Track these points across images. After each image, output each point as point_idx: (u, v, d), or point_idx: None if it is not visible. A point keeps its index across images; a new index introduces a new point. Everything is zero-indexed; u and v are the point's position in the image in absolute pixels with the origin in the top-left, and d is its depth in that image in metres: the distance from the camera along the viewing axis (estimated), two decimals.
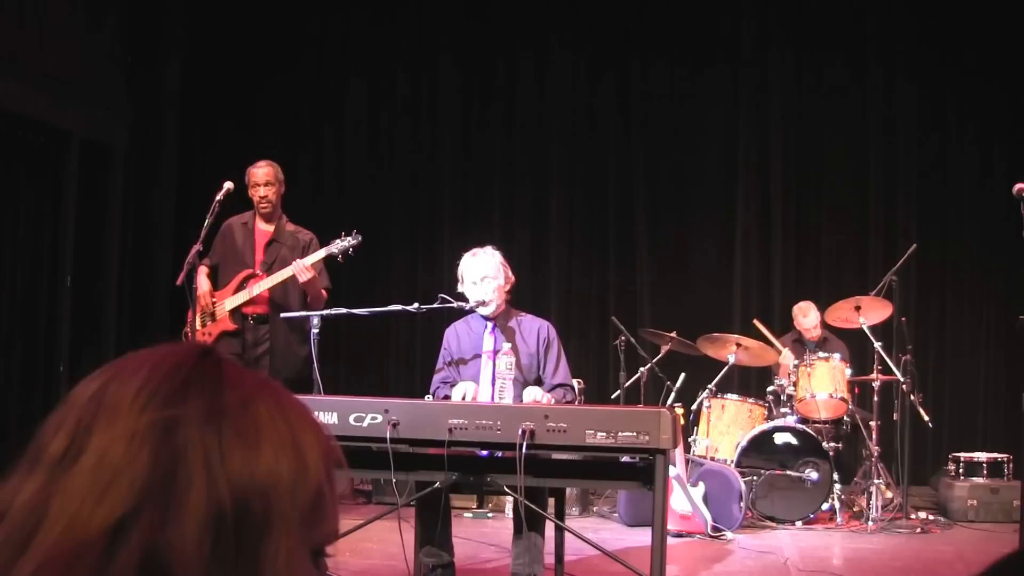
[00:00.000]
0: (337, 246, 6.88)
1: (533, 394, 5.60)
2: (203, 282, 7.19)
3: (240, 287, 7.11)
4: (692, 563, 6.98)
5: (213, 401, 0.95)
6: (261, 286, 7.03)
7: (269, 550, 0.93)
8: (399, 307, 6.30)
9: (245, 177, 7.27)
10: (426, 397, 5.80)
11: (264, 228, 7.27)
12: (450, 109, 11.26)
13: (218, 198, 6.89)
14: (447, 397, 5.76)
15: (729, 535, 7.69)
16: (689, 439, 8.46)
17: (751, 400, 8.73)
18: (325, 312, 6.24)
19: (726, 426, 8.52)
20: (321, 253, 6.94)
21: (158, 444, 0.92)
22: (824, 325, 9.10)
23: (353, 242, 6.86)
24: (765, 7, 10.76)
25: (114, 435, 0.93)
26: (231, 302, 7.09)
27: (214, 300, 7.15)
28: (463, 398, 5.60)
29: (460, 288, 5.94)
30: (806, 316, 9.19)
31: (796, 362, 8.66)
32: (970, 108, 10.32)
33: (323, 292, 7.10)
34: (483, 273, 5.82)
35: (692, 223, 10.87)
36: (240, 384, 0.98)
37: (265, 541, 0.93)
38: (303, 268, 6.84)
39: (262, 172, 7.25)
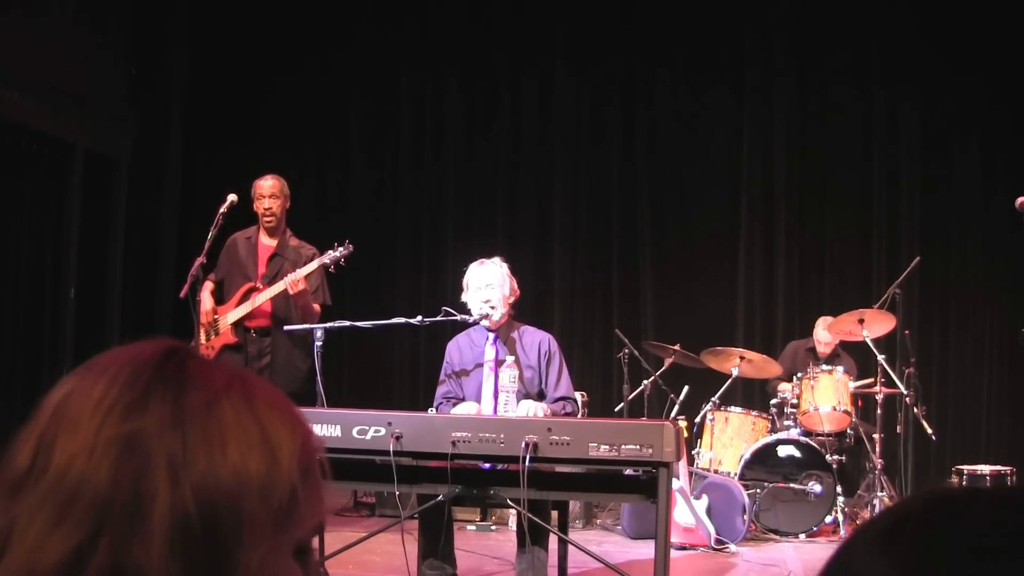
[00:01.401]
0: (329, 256, 6.91)
1: (527, 407, 5.60)
2: (206, 299, 7.20)
3: (242, 300, 7.12)
4: None
5: (175, 406, 0.93)
6: (262, 298, 7.04)
7: (243, 557, 0.90)
8: (402, 320, 6.30)
9: (251, 190, 7.28)
10: (429, 410, 5.81)
11: (267, 242, 7.29)
12: (454, 122, 11.28)
13: (222, 210, 6.91)
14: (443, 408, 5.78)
15: (732, 548, 7.68)
16: (692, 452, 8.44)
17: (754, 413, 8.72)
18: (328, 325, 6.24)
19: (729, 439, 8.51)
20: (313, 265, 6.95)
21: (118, 459, 0.90)
22: (838, 344, 9.10)
23: (345, 252, 6.88)
24: (769, 23, 10.76)
25: (74, 451, 0.91)
26: (233, 315, 7.11)
27: (216, 316, 7.15)
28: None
29: (464, 296, 5.95)
30: (827, 329, 9.14)
31: (800, 374, 8.66)
32: (973, 121, 10.32)
33: (316, 307, 7.10)
34: (488, 280, 5.85)
35: (696, 236, 10.87)
36: (206, 384, 0.95)
37: (237, 548, 0.90)
38: (294, 280, 6.85)
39: (268, 185, 7.27)
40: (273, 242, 7.28)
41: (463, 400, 5.80)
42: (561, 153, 11.09)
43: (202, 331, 7.10)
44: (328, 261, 6.90)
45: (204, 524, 0.89)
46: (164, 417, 0.92)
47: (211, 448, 0.92)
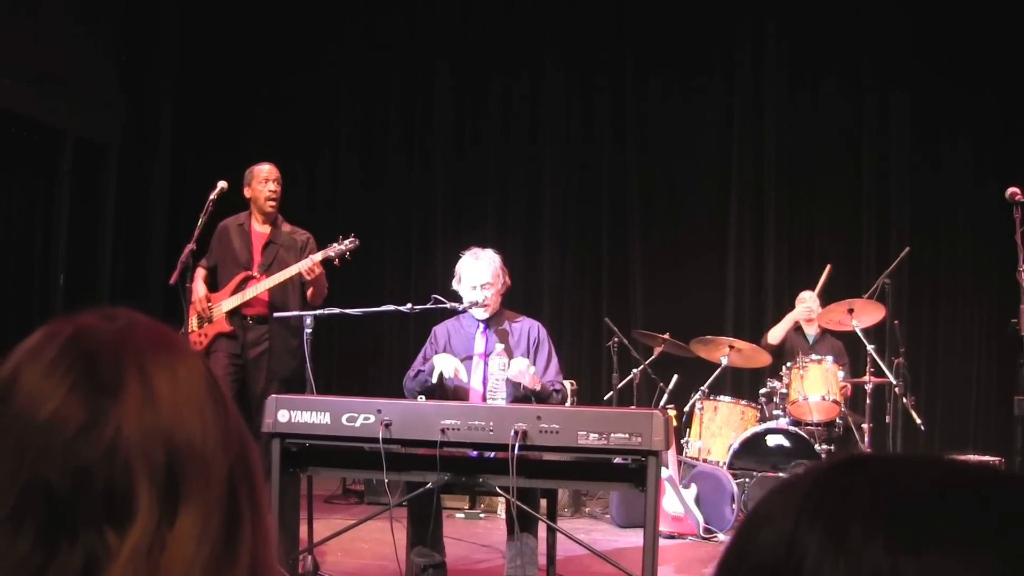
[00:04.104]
0: (334, 250, 6.84)
1: (520, 365, 5.60)
2: (199, 286, 7.10)
3: (238, 289, 7.05)
4: (684, 564, 6.98)
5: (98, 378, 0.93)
6: (260, 287, 6.97)
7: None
8: (392, 307, 6.30)
9: (246, 176, 7.19)
10: (419, 398, 5.80)
11: (260, 229, 7.20)
12: (444, 112, 11.27)
13: (211, 197, 6.85)
14: (421, 375, 5.76)
15: (721, 537, 7.69)
16: (681, 441, 8.46)
17: (743, 402, 8.73)
18: (318, 312, 6.22)
19: (718, 428, 8.52)
20: (319, 256, 6.87)
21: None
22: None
23: (350, 245, 6.82)
24: (760, 14, 10.76)
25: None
26: (228, 304, 7.03)
27: (210, 304, 7.08)
28: (453, 372, 5.60)
29: (455, 285, 5.94)
30: (802, 303, 9.11)
31: (789, 363, 8.66)
32: (962, 111, 10.33)
33: (325, 290, 7.09)
34: (483, 280, 5.83)
35: (685, 225, 10.88)
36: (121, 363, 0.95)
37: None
38: (314, 263, 6.79)
39: (271, 169, 7.20)
40: (266, 229, 7.20)
41: (430, 383, 5.75)
42: (551, 143, 11.08)
43: (193, 318, 7.04)
44: (333, 254, 6.84)
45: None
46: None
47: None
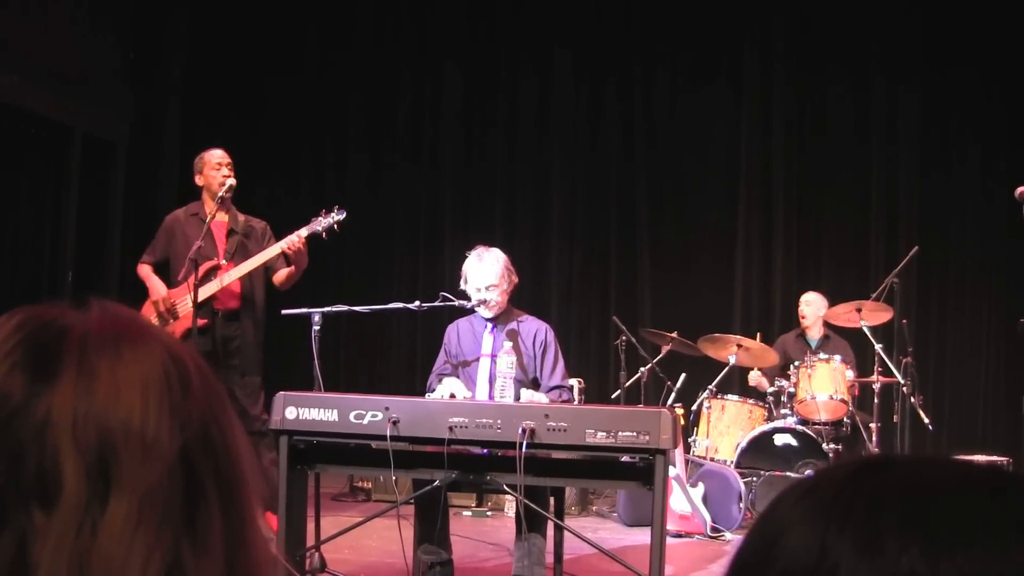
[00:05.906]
0: (321, 224, 6.62)
1: (529, 398, 5.60)
2: (158, 284, 6.88)
3: (204, 280, 6.66)
4: (691, 563, 6.98)
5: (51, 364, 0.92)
6: (233, 275, 6.72)
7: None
8: (400, 305, 6.29)
9: (197, 164, 6.97)
10: (427, 395, 5.80)
11: (219, 218, 6.87)
12: (452, 110, 11.26)
13: (220, 195, 6.80)
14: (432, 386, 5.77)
15: (728, 536, 7.69)
16: (689, 439, 8.45)
17: (751, 401, 8.72)
18: (326, 309, 6.16)
19: (726, 427, 8.51)
20: (305, 231, 6.65)
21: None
22: (826, 324, 9.09)
23: (338, 218, 6.62)
24: (769, 15, 10.74)
25: None
26: (203, 293, 6.59)
27: (173, 301, 6.80)
28: (451, 396, 5.59)
29: (463, 286, 5.93)
30: (808, 306, 9.16)
31: (797, 363, 8.65)
32: (971, 111, 10.31)
33: (304, 265, 6.79)
34: (489, 281, 5.80)
35: (694, 224, 10.87)
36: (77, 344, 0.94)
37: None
38: (293, 242, 6.56)
39: (223, 154, 6.94)
40: (224, 218, 6.93)
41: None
42: (559, 142, 11.08)
43: (153, 317, 6.59)
44: (320, 228, 6.62)
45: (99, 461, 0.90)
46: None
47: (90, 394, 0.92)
